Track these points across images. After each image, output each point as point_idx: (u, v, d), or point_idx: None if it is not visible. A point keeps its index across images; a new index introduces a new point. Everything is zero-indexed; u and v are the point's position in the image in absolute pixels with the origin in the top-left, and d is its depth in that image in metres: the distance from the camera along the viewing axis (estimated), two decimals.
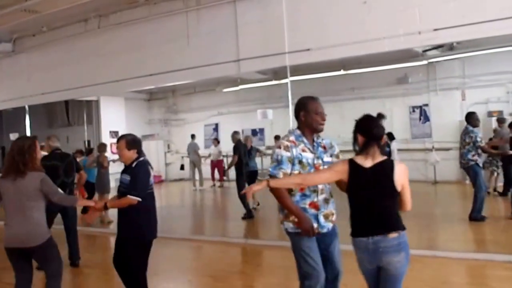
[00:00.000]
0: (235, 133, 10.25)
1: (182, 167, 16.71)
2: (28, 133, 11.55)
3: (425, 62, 13.06)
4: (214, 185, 15.74)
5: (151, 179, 4.57)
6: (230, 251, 7.64)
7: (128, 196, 4.33)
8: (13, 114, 13.55)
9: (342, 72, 13.29)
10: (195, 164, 15.32)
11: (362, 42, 6.80)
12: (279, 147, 3.56)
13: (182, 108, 17.93)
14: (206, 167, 15.53)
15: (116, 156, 11.38)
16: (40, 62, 10.42)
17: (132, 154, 4.50)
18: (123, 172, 4.57)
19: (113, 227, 9.74)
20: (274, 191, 3.43)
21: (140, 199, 4.34)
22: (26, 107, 11.44)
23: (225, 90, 15.74)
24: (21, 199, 3.99)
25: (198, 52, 8.22)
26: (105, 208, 4.46)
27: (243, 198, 9.44)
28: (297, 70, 7.89)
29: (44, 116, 16.26)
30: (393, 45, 6.71)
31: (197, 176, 15.32)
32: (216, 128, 17.59)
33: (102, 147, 10.48)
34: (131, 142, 4.52)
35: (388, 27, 6.66)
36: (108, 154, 10.61)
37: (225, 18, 7.97)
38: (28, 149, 4.08)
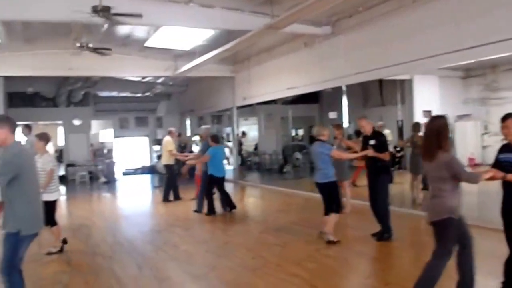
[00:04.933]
0: None
1: None
2: (345, 113, 12.07)
3: None
4: None
5: None
6: None
7: None
8: (331, 94, 14.38)
9: None
10: None
11: None
12: None
13: (503, 85, 16.13)
14: None
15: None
16: (356, 42, 10.71)
17: None
18: (504, 151, 4.54)
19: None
20: None
21: None
22: (343, 87, 11.93)
23: None
24: (437, 180, 4.27)
25: None
26: (503, 178, 4.35)
27: None
28: None
29: (359, 96, 16.84)
30: None
31: None
32: None
33: (417, 126, 10.35)
34: None
35: None
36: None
37: None
38: (442, 129, 4.25)
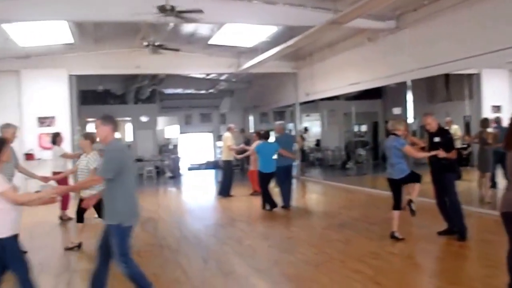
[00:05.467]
0: None
1: None
2: (409, 108, 11.81)
3: None
4: None
5: None
6: None
7: None
8: (395, 89, 14.10)
9: None
10: None
11: None
12: None
13: None
14: None
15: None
16: (421, 36, 10.46)
17: None
18: None
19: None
20: None
21: None
22: (408, 82, 11.68)
23: None
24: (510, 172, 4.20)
25: None
26: None
27: None
28: None
29: (424, 91, 16.40)
30: None
31: None
32: None
33: (485, 122, 10.08)
34: None
35: None
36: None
37: None
38: None
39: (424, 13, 10.11)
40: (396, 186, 7.36)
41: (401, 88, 12.24)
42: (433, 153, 7.05)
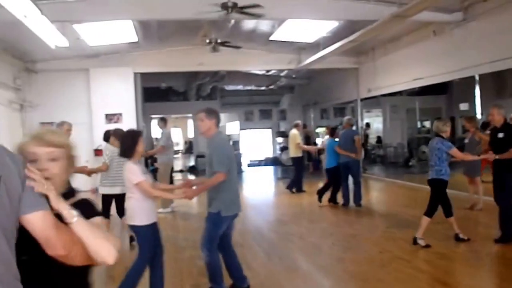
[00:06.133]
0: None
1: None
2: (477, 104, 11.42)
3: None
4: None
5: None
6: None
7: None
8: (461, 84, 13.66)
9: None
10: None
11: None
12: None
13: None
14: None
15: None
16: (490, 28, 10.03)
17: None
18: None
19: None
20: None
21: None
22: (476, 76, 11.26)
23: None
24: None
25: None
26: None
27: None
28: None
29: (493, 86, 15.79)
30: None
31: None
32: None
33: None
34: None
35: None
36: None
37: None
38: None
39: (494, 3, 9.69)
40: (431, 187, 6.95)
41: (467, 83, 11.85)
42: (482, 156, 6.67)
